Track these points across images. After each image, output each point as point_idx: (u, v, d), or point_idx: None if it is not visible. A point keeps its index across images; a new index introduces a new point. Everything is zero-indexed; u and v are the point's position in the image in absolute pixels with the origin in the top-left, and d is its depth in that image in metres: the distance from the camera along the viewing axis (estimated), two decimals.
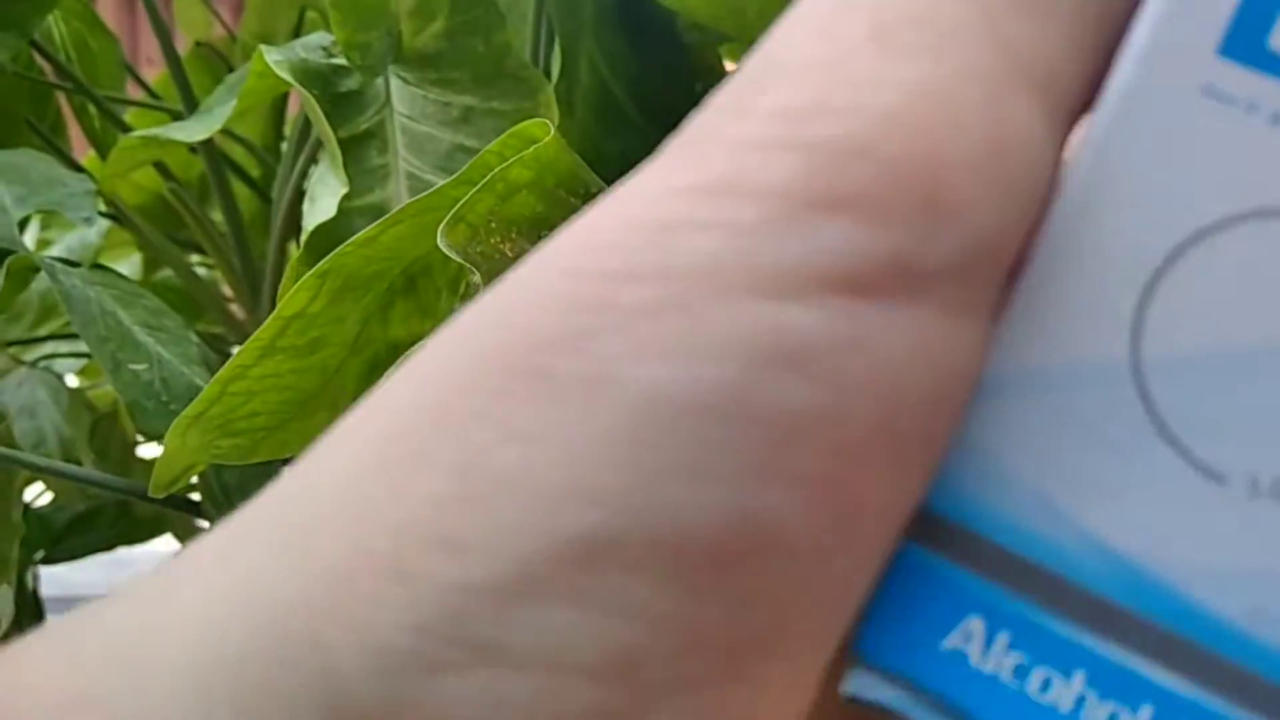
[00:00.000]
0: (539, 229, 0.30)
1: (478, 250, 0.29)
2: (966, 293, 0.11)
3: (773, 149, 0.12)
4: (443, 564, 0.11)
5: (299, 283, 0.32)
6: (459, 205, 0.28)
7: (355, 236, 0.32)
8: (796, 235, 0.11)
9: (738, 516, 0.11)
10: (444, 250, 0.28)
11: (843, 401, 0.11)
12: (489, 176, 0.29)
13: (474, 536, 0.11)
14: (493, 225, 0.29)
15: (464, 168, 0.31)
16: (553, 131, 0.30)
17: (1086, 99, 0.12)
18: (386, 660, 0.11)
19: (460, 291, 0.35)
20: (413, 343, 0.35)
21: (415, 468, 0.11)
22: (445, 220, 0.28)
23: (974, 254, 0.11)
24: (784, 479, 0.11)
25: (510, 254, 0.29)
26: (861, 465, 0.11)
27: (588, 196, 0.31)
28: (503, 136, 0.31)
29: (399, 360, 0.33)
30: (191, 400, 0.40)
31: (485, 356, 0.12)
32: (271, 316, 0.32)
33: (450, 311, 0.36)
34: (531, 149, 0.29)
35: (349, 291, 0.34)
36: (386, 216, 0.32)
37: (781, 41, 0.13)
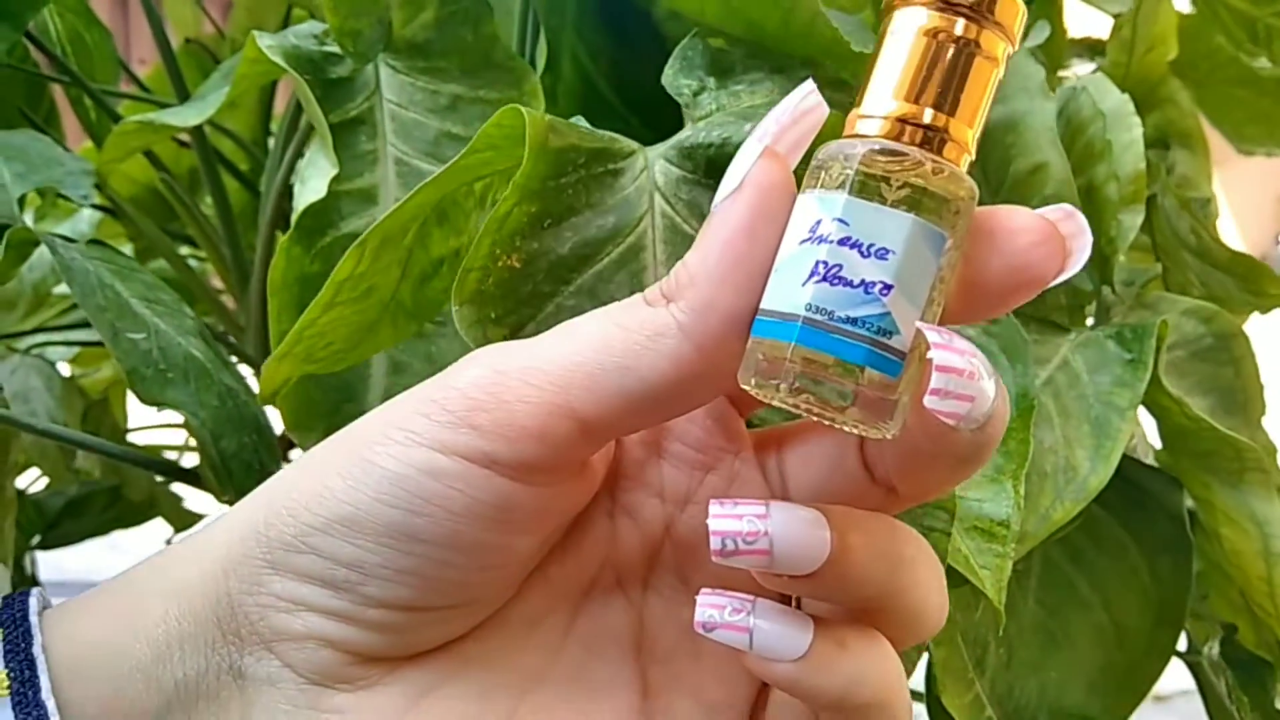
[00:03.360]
0: (539, 223, 0.31)
1: (491, 283, 0.30)
2: (526, 475, 0.24)
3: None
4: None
5: (346, 254, 0.35)
6: (463, 267, 0.30)
7: (381, 218, 0.34)
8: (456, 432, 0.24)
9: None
10: (457, 321, 0.30)
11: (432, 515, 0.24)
12: (486, 221, 0.30)
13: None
14: (497, 252, 0.30)
15: (465, 150, 0.33)
16: (528, 128, 0.30)
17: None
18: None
19: (488, 206, 0.38)
20: (452, 256, 0.39)
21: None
22: (454, 285, 0.30)
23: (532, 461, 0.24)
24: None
25: (518, 264, 0.30)
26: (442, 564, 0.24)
27: (581, 164, 0.32)
28: (486, 125, 0.32)
29: (443, 270, 0.39)
30: (188, 370, 0.42)
31: None
32: (328, 282, 0.35)
33: (478, 224, 0.38)
34: (510, 180, 0.30)
35: (388, 244, 0.36)
36: (409, 195, 0.34)
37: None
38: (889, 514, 0.26)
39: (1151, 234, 0.57)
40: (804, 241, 0.23)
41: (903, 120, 0.24)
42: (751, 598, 0.25)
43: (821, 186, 0.24)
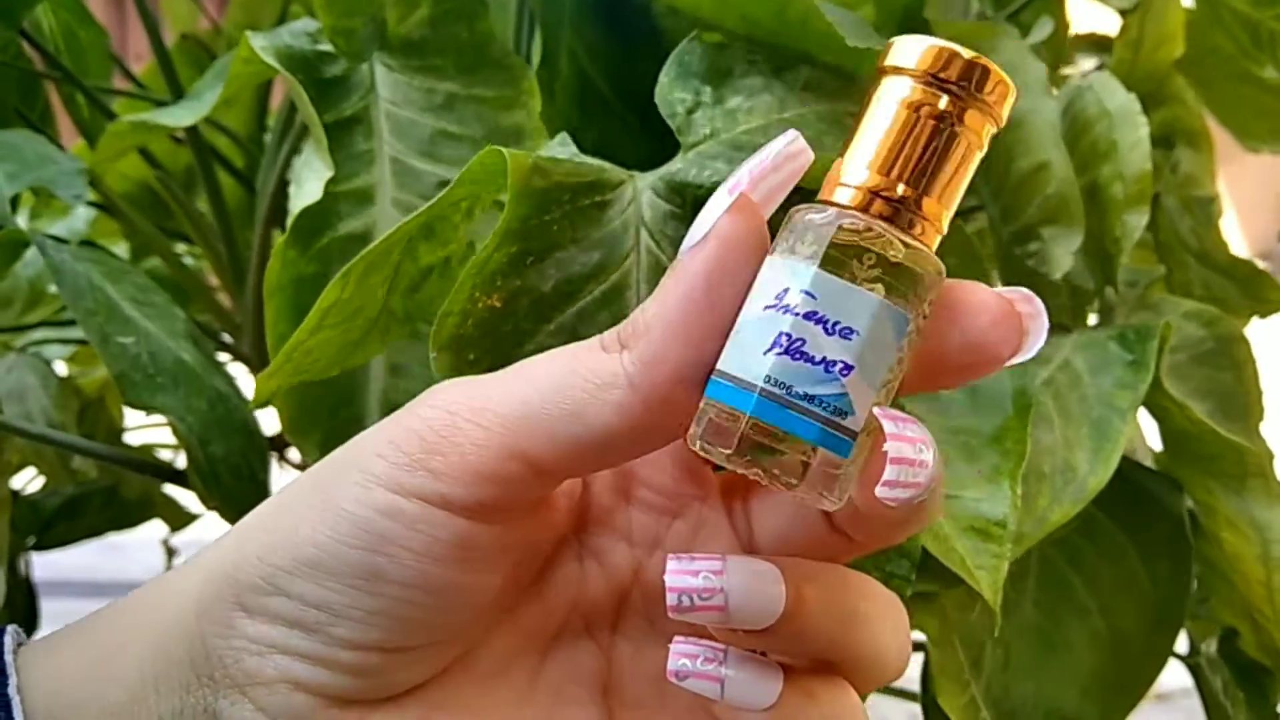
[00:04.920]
0: (522, 260, 0.30)
1: (470, 324, 0.30)
2: (478, 514, 0.24)
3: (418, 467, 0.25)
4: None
5: (329, 285, 0.34)
6: (441, 312, 0.29)
7: (367, 249, 0.34)
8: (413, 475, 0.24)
9: None
10: (434, 368, 0.30)
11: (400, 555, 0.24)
12: (466, 267, 0.30)
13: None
14: (477, 295, 0.30)
15: (447, 188, 0.32)
16: (510, 173, 0.30)
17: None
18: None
19: (474, 216, 0.38)
20: (441, 264, 0.38)
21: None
22: (432, 332, 0.30)
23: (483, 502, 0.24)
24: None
25: (499, 303, 0.30)
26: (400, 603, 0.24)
27: (567, 200, 0.32)
28: (469, 165, 0.32)
29: (432, 277, 0.38)
30: (178, 374, 0.42)
31: None
32: (314, 309, 0.35)
33: (466, 233, 0.38)
34: (499, 220, 0.30)
35: (374, 269, 0.36)
36: (395, 227, 0.34)
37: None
38: (850, 558, 0.27)
39: (1155, 233, 0.56)
40: (769, 308, 0.23)
41: (875, 193, 0.24)
42: (724, 647, 0.25)
43: (793, 253, 0.24)
